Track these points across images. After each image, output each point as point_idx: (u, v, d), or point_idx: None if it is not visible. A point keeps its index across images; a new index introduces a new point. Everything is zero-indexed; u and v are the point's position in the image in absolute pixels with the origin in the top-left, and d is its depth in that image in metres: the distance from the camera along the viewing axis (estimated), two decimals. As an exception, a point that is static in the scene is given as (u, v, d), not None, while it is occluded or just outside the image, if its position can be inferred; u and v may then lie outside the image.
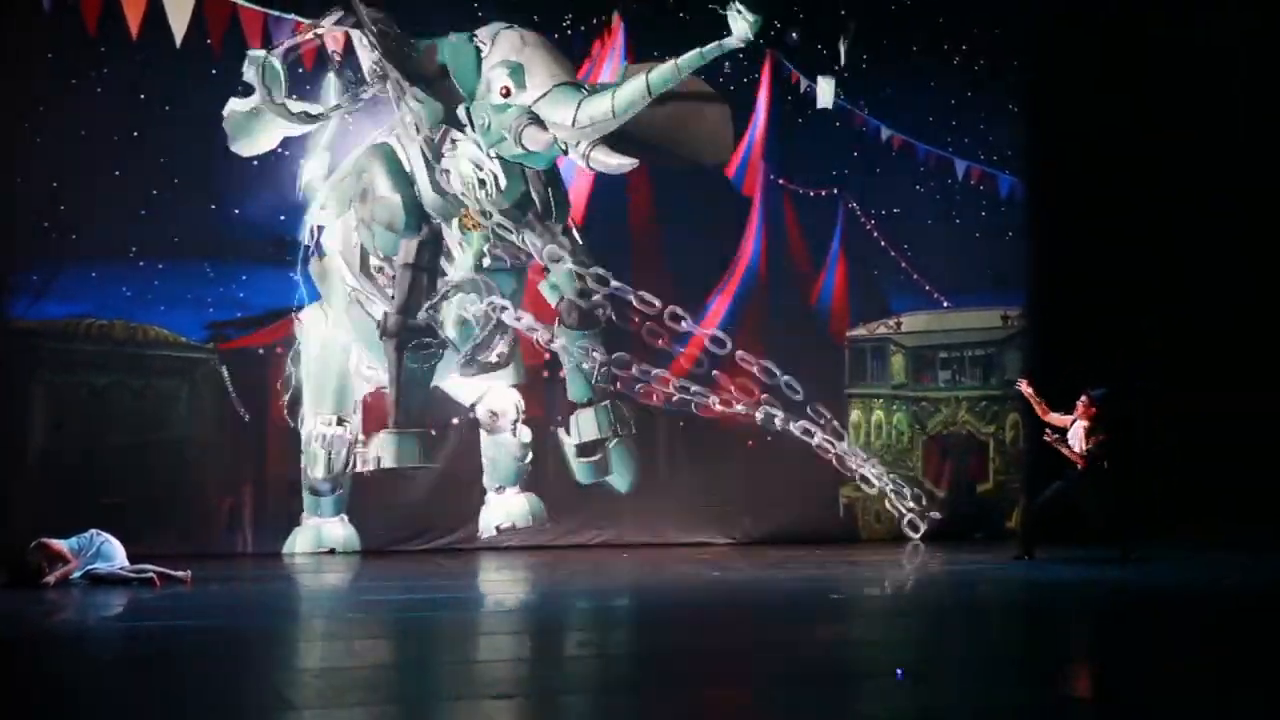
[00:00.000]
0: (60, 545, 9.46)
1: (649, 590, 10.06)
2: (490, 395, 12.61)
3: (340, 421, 12.10)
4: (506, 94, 11.77)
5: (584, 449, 12.77)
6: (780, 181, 13.92)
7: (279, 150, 12.01)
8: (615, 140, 11.86)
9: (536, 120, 11.69)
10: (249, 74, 11.51)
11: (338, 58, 11.84)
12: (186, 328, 11.88)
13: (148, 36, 11.54)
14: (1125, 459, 12.07)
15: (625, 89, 11.53)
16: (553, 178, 12.60)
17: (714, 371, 13.17)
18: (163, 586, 9.35)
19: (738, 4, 10.83)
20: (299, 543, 12.05)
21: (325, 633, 8.13)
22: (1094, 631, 8.42)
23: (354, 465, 12.07)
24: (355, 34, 11.89)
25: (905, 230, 14.30)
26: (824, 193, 14.11)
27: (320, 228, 12.18)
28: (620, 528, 13.12)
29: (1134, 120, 14.28)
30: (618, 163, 11.82)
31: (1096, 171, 14.17)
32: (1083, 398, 11.75)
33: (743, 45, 11.36)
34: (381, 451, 12.04)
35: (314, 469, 12.04)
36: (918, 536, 13.84)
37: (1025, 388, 12.25)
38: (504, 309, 12.19)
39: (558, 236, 12.44)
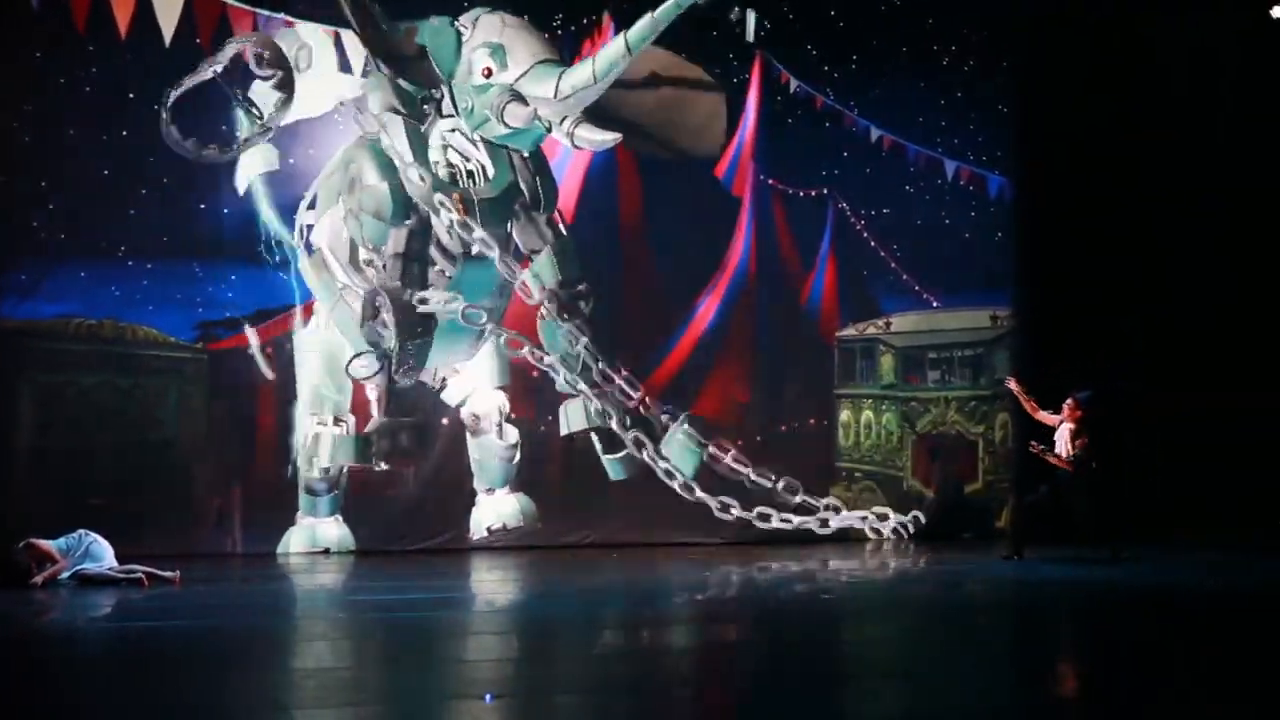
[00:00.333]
0: (48, 545, 9.45)
1: (637, 590, 10.07)
2: (474, 398, 12.60)
3: (336, 421, 12.08)
4: (488, 75, 11.79)
5: (609, 446, 12.78)
6: (770, 182, 13.92)
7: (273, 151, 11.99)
8: (601, 120, 11.82)
9: (518, 97, 11.69)
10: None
11: (238, 92, 11.74)
12: (175, 328, 11.85)
13: (136, 36, 11.50)
14: (1113, 459, 12.10)
15: (604, 51, 11.52)
16: (540, 167, 12.59)
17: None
18: (151, 587, 9.34)
19: None
20: (294, 542, 12.03)
21: (315, 633, 8.12)
22: (1082, 632, 8.45)
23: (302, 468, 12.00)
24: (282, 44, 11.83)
25: (895, 231, 14.31)
26: (814, 193, 14.11)
27: (309, 226, 12.16)
28: (610, 528, 13.10)
29: (1122, 121, 14.31)
30: (601, 138, 11.78)
31: (1085, 172, 14.19)
32: (1069, 400, 11.79)
33: None
34: (319, 452, 11.98)
35: (310, 469, 12.02)
36: (905, 535, 13.89)
37: (1014, 385, 12.28)
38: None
39: (542, 227, 12.46)
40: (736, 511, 13.05)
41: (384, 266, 11.93)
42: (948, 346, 14.59)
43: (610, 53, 11.45)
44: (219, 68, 11.54)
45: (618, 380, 12.62)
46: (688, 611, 9.04)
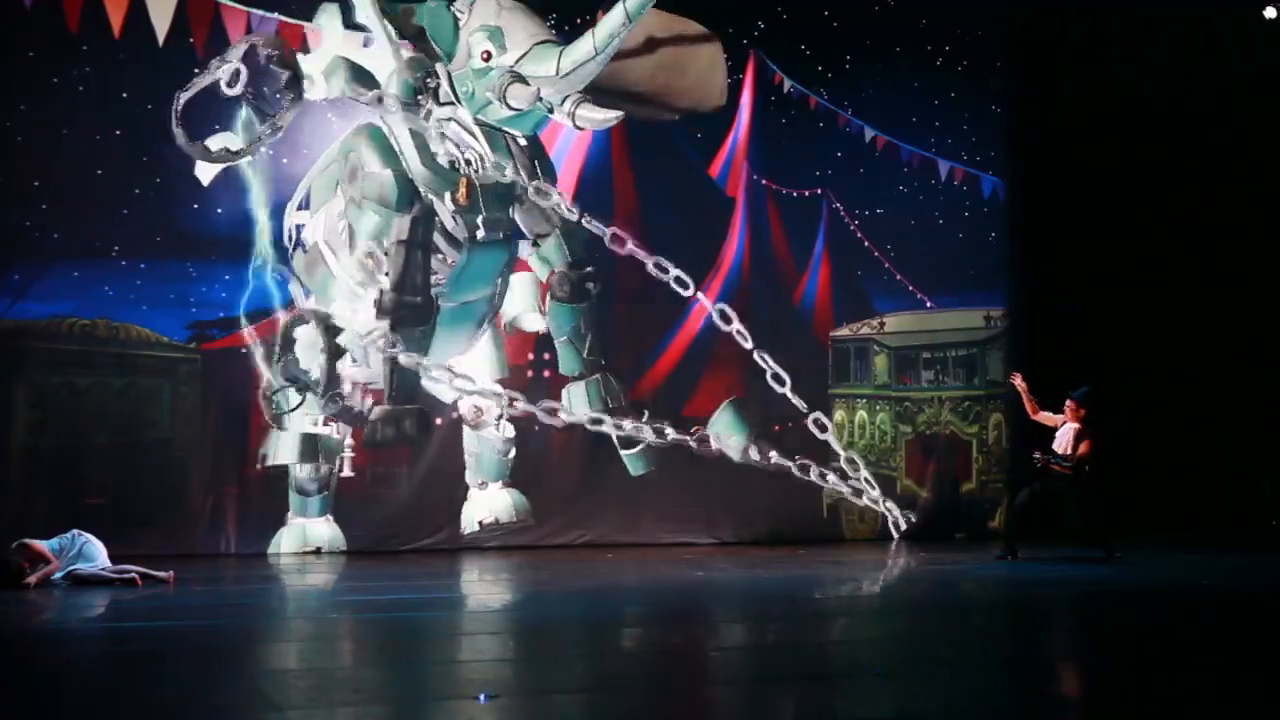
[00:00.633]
0: (42, 546, 9.43)
1: (632, 590, 10.08)
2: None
3: (328, 421, 12.07)
4: (487, 58, 11.80)
5: (625, 442, 12.83)
6: (764, 182, 13.94)
7: (265, 150, 11.99)
8: (603, 96, 11.89)
9: (520, 78, 11.69)
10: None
11: (249, 93, 11.73)
12: (169, 328, 11.83)
13: (130, 35, 11.50)
14: (1109, 459, 12.11)
15: (604, 22, 11.46)
16: (538, 151, 12.60)
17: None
18: (144, 587, 9.33)
19: None
20: (284, 543, 12.01)
21: (308, 633, 8.11)
22: (1077, 631, 8.47)
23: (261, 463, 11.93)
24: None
25: (889, 231, 14.34)
26: (808, 193, 14.13)
27: (300, 226, 12.14)
28: (604, 528, 13.11)
29: (1115, 121, 14.35)
30: (603, 117, 11.81)
31: (1079, 172, 14.23)
32: (1069, 401, 11.77)
33: None
34: (273, 449, 11.93)
35: (301, 469, 12.01)
36: (898, 535, 13.89)
37: (1019, 383, 12.25)
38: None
39: (547, 210, 12.48)
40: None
41: (387, 254, 11.93)
42: (941, 346, 14.61)
43: (610, 23, 11.40)
44: (229, 68, 11.53)
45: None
46: (682, 611, 9.04)
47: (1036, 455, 11.78)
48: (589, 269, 12.65)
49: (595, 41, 11.42)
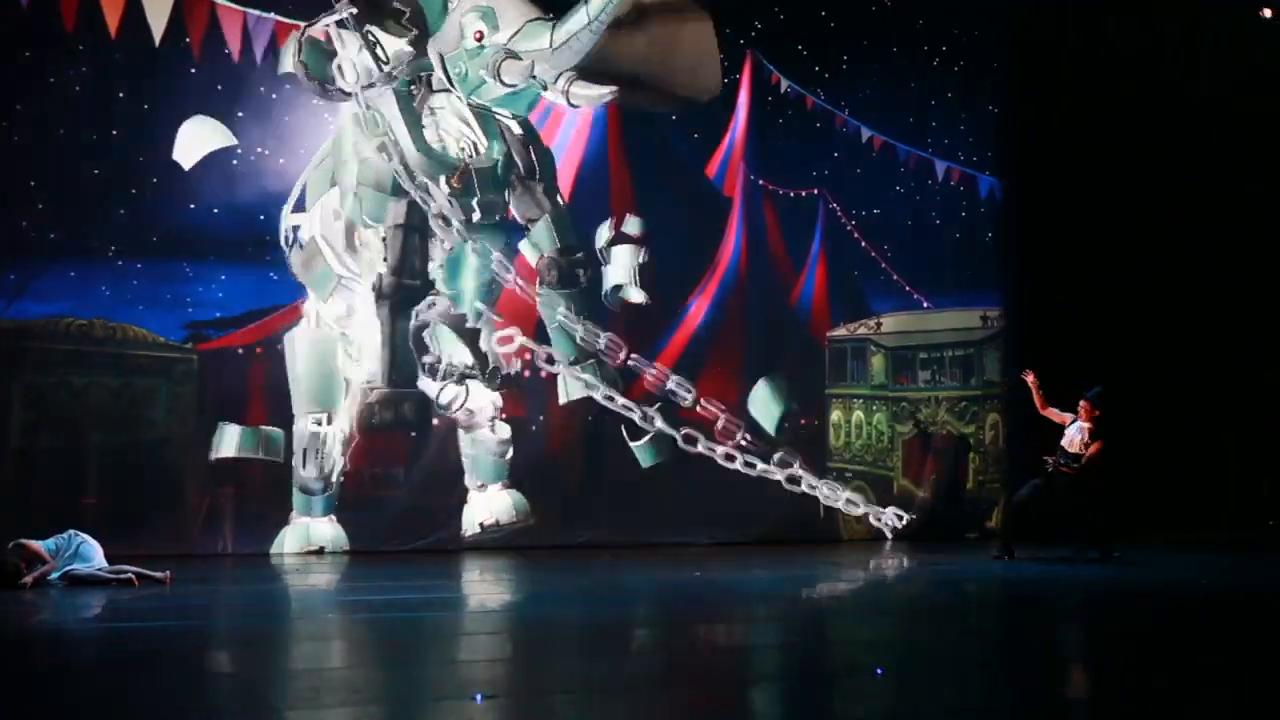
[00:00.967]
0: (38, 546, 9.40)
1: (630, 591, 10.07)
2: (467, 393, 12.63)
3: (330, 419, 12.07)
4: (480, 38, 11.84)
5: (634, 433, 12.87)
6: (761, 182, 13.95)
7: (259, 149, 11.99)
8: (597, 79, 11.90)
9: (513, 54, 11.72)
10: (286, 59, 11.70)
11: (369, 34, 11.90)
12: (165, 328, 11.82)
13: (126, 35, 11.50)
14: (1109, 458, 12.09)
15: None
16: (532, 137, 12.63)
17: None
18: (141, 587, 9.31)
19: None
20: (288, 542, 12.01)
21: (307, 633, 8.11)
22: (1073, 631, 8.47)
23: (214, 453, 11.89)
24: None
25: (886, 231, 14.36)
26: (804, 193, 14.14)
27: (296, 227, 12.14)
28: (603, 528, 13.10)
29: (1111, 122, 14.36)
30: (597, 93, 11.86)
31: (1075, 173, 14.25)
32: (1083, 402, 11.73)
33: None
34: (222, 442, 11.90)
35: (305, 468, 12.01)
36: (891, 536, 13.91)
37: (1030, 379, 12.19)
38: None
39: (539, 196, 12.50)
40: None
41: (384, 240, 11.93)
42: (938, 346, 14.63)
43: None
44: (354, 10, 11.74)
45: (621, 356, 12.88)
46: (680, 612, 9.04)
47: (1047, 459, 11.75)
48: (579, 255, 12.67)
49: (589, 10, 11.42)
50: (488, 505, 12.67)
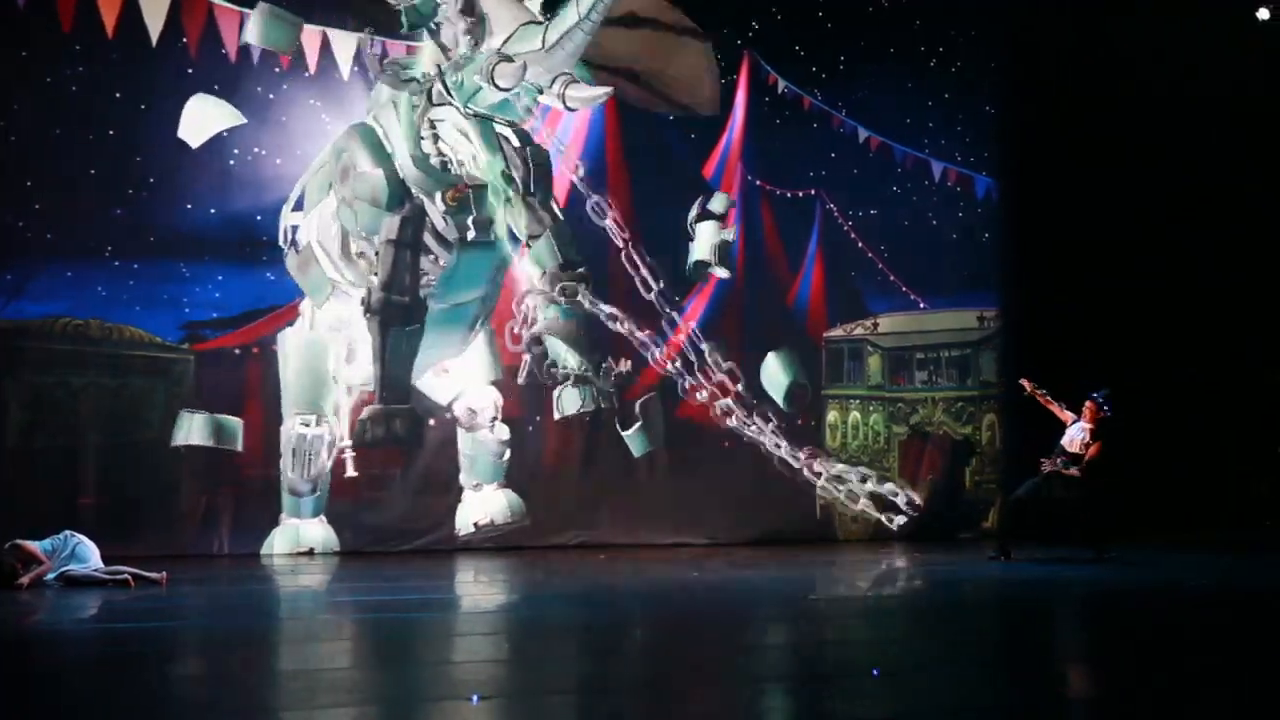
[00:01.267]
0: (34, 546, 9.41)
1: (625, 591, 10.07)
2: (468, 393, 12.62)
3: (319, 422, 12.06)
4: (474, 45, 11.80)
5: (624, 423, 12.96)
6: (758, 182, 13.95)
7: (256, 150, 11.99)
8: (595, 73, 12.15)
9: (506, 57, 11.66)
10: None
11: (435, 24, 12.02)
12: (162, 328, 11.83)
13: (123, 35, 11.50)
14: (1109, 459, 12.07)
15: None
16: (532, 151, 12.57)
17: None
18: (137, 588, 9.31)
19: None
20: (277, 543, 12.01)
21: (301, 634, 8.11)
22: (1070, 631, 8.48)
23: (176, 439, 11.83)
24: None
25: (882, 231, 14.36)
26: (801, 194, 14.15)
27: (294, 227, 12.15)
28: (598, 528, 13.12)
29: (1108, 122, 14.36)
30: (592, 94, 11.93)
31: (1072, 173, 14.24)
32: (1088, 402, 11.70)
33: None
34: (186, 428, 11.85)
35: (293, 470, 12.00)
36: (896, 526, 13.90)
37: (1028, 386, 12.15)
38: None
39: (538, 211, 12.48)
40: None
41: (376, 255, 11.93)
42: (935, 347, 14.63)
43: None
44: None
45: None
46: (676, 612, 9.04)
47: (1044, 462, 11.74)
48: (580, 270, 12.66)
49: (579, 7, 11.35)
50: (483, 505, 12.68)
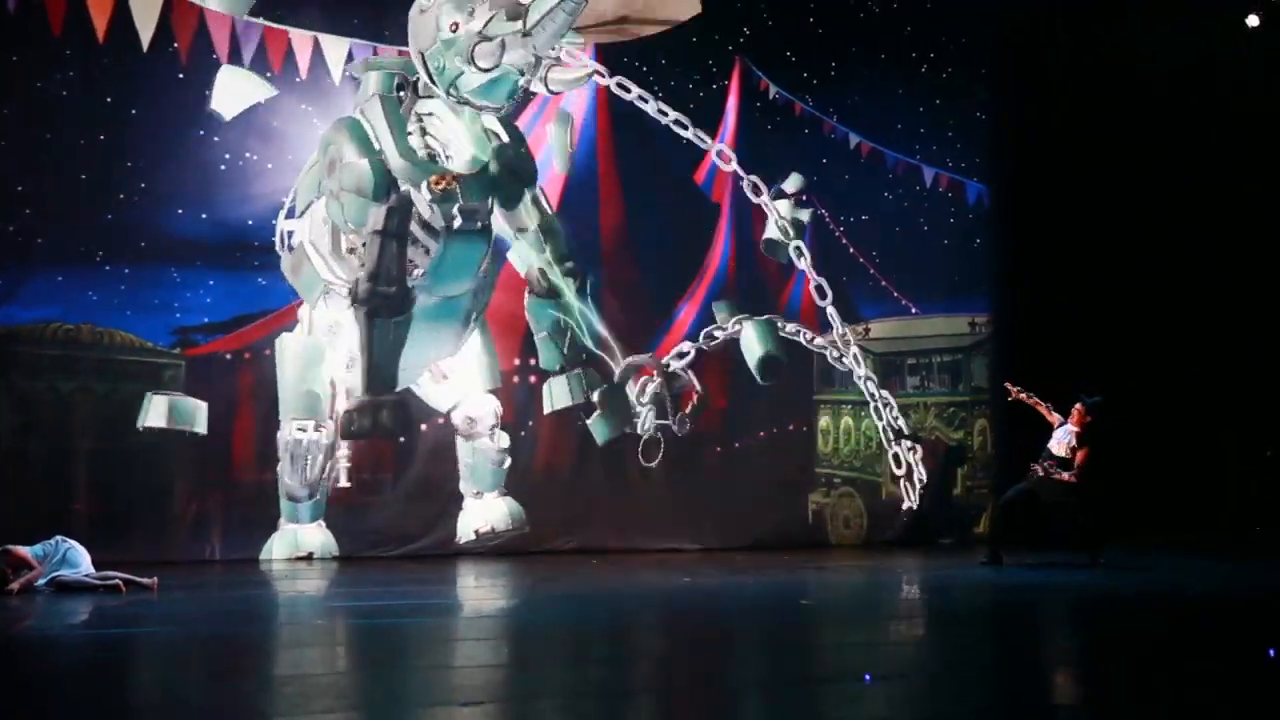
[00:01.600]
0: (25, 552, 9.37)
1: (619, 596, 10.06)
2: (467, 401, 12.60)
3: (316, 427, 12.04)
4: (455, 29, 11.77)
5: (588, 409, 12.98)
6: (748, 188, 13.94)
7: (248, 154, 11.98)
8: (578, 30, 12.15)
9: (485, 37, 11.64)
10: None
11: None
12: (153, 333, 11.81)
13: (114, 39, 11.48)
14: (1104, 461, 12.08)
15: None
16: (519, 145, 12.58)
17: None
18: (129, 593, 9.28)
19: None
20: (276, 548, 11.97)
21: (295, 640, 8.09)
22: (1063, 637, 8.49)
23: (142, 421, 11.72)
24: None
25: (873, 237, 14.37)
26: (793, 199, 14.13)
27: (290, 233, 12.13)
28: (592, 533, 13.10)
29: (1099, 128, 14.39)
30: (574, 76, 12.09)
31: (1063, 179, 14.27)
32: (1078, 405, 11.71)
33: None
34: (153, 411, 11.76)
35: (290, 475, 11.97)
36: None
37: (1013, 390, 12.15)
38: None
39: (527, 205, 12.49)
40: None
41: (364, 246, 11.90)
42: (926, 352, 14.65)
43: None
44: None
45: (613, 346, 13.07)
46: (670, 617, 9.04)
47: (1034, 466, 11.74)
48: (569, 264, 12.67)
49: None
50: (484, 513, 12.66)
